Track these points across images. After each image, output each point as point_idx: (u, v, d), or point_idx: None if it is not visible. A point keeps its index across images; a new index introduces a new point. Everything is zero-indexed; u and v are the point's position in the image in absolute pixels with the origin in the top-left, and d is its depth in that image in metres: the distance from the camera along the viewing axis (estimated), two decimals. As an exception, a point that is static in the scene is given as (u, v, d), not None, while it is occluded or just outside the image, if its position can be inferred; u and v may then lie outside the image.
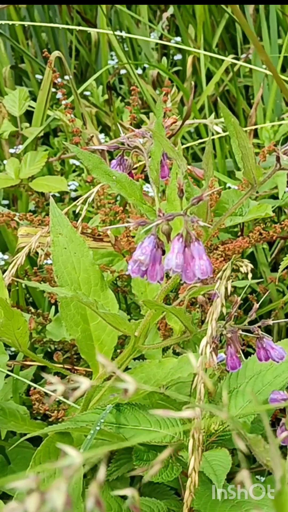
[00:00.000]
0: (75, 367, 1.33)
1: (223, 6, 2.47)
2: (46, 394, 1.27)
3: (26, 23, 2.26)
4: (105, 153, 1.64)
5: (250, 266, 0.94)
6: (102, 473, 0.44)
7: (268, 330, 1.84)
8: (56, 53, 1.66)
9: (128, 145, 1.04)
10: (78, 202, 1.30)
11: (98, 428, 1.04)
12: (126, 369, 1.17)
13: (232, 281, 1.43)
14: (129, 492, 0.49)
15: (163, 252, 0.83)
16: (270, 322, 0.96)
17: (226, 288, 0.88)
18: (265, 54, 0.82)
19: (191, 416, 0.56)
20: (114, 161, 1.06)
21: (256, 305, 0.96)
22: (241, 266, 0.96)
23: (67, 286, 1.09)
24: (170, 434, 1.09)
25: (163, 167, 1.05)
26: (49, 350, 1.56)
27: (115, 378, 1.13)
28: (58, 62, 2.24)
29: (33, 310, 1.46)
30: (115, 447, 0.61)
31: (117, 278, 1.45)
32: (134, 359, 1.29)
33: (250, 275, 0.95)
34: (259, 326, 0.96)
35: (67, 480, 0.42)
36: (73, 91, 1.69)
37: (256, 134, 2.12)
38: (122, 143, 1.04)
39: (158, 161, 0.99)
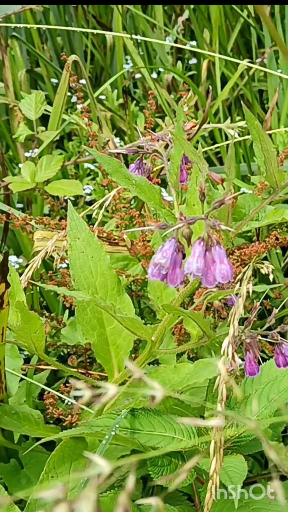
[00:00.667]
0: (89, 371, 1.33)
1: (238, 10, 2.46)
2: (59, 398, 1.27)
3: (42, 26, 2.26)
4: (121, 156, 1.64)
5: (271, 267, 0.93)
6: (131, 482, 0.43)
7: (282, 336, 1.83)
8: (73, 57, 1.66)
9: (147, 148, 1.03)
10: (94, 206, 1.29)
11: (113, 433, 1.04)
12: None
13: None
14: (153, 501, 0.48)
15: (184, 256, 0.82)
16: (288, 328, 0.95)
17: (247, 290, 0.87)
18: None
19: (218, 425, 0.55)
20: (133, 165, 1.05)
21: (276, 311, 0.95)
22: (262, 268, 0.95)
23: (84, 290, 1.08)
24: (185, 440, 1.09)
25: (181, 172, 1.04)
26: (62, 354, 1.56)
27: (133, 383, 1.12)
28: (74, 66, 2.24)
29: (47, 314, 1.46)
30: (146, 456, 0.60)
31: (132, 283, 1.45)
32: (148, 364, 1.29)
33: (271, 277, 0.94)
34: (278, 332, 0.95)
35: (95, 490, 0.41)
36: (90, 94, 1.69)
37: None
38: (141, 147, 1.03)
39: (178, 165, 0.99)
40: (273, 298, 1.72)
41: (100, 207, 1.28)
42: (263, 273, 0.95)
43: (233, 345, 0.85)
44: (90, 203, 1.89)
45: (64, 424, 1.23)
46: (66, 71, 1.61)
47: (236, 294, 1.46)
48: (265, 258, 1.88)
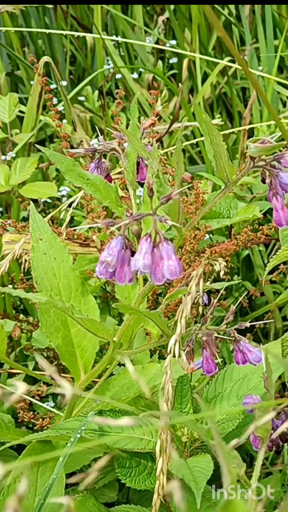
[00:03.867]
0: (62, 375, 1.31)
1: (219, 8, 2.45)
2: (31, 403, 1.26)
3: (19, 29, 2.25)
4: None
5: (223, 264, 0.92)
6: (23, 486, 0.42)
7: (266, 333, 1.82)
8: (44, 59, 1.66)
9: (105, 147, 1.02)
10: (61, 207, 1.28)
11: (78, 435, 1.03)
12: (111, 375, 1.15)
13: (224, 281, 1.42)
14: (64, 500, 0.47)
15: (133, 253, 0.81)
16: (247, 324, 0.94)
17: (198, 288, 0.86)
18: (233, 47, 0.80)
19: (129, 424, 0.54)
20: (92, 164, 1.05)
21: (233, 307, 0.94)
22: (215, 265, 0.94)
23: (47, 292, 1.07)
24: (154, 440, 1.08)
25: (141, 169, 1.03)
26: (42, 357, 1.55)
27: (101, 385, 1.10)
28: (56, 68, 2.23)
29: (22, 318, 1.45)
30: (47, 457, 0.59)
31: (106, 284, 1.44)
32: (120, 365, 1.27)
33: (222, 273, 0.93)
34: (236, 329, 0.94)
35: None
36: (63, 96, 1.68)
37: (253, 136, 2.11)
38: (100, 146, 1.03)
39: (134, 162, 0.98)
40: (255, 295, 1.71)
41: (69, 207, 1.27)
42: (216, 269, 0.94)
43: (180, 343, 0.83)
44: (70, 205, 1.87)
45: (35, 428, 1.22)
46: (36, 73, 1.61)
47: (210, 293, 1.45)
48: (248, 256, 1.87)
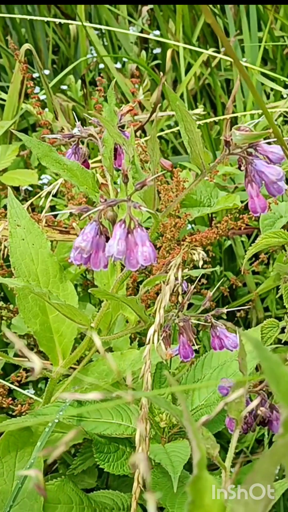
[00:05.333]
0: (41, 361, 1.31)
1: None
2: (10, 389, 1.26)
3: (2, 15, 2.24)
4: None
5: (202, 253, 0.92)
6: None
7: (248, 324, 1.83)
8: (26, 46, 1.65)
9: (82, 133, 1.02)
10: (41, 194, 1.28)
11: (56, 421, 1.03)
12: (90, 361, 1.16)
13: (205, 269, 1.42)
14: (32, 473, 0.47)
15: (108, 239, 0.82)
16: (224, 310, 0.95)
17: (176, 277, 0.86)
18: (222, 34, 0.80)
19: (96, 398, 0.55)
20: (69, 150, 1.05)
21: (210, 293, 0.95)
22: (194, 254, 0.94)
23: (24, 277, 1.07)
24: (132, 426, 1.08)
25: (119, 156, 1.04)
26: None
27: (80, 370, 1.11)
28: (39, 57, 2.22)
29: (2, 305, 1.45)
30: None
31: (86, 272, 1.44)
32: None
33: (200, 263, 0.94)
34: (213, 315, 0.94)
35: None
36: (45, 85, 1.68)
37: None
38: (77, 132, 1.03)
39: (111, 148, 0.98)
40: (237, 285, 1.71)
41: (48, 195, 1.27)
42: (195, 259, 0.94)
43: (160, 332, 0.84)
44: (50, 192, 1.87)
45: (14, 414, 1.22)
46: (17, 60, 1.60)
47: (191, 281, 1.46)
48: (230, 246, 1.87)
